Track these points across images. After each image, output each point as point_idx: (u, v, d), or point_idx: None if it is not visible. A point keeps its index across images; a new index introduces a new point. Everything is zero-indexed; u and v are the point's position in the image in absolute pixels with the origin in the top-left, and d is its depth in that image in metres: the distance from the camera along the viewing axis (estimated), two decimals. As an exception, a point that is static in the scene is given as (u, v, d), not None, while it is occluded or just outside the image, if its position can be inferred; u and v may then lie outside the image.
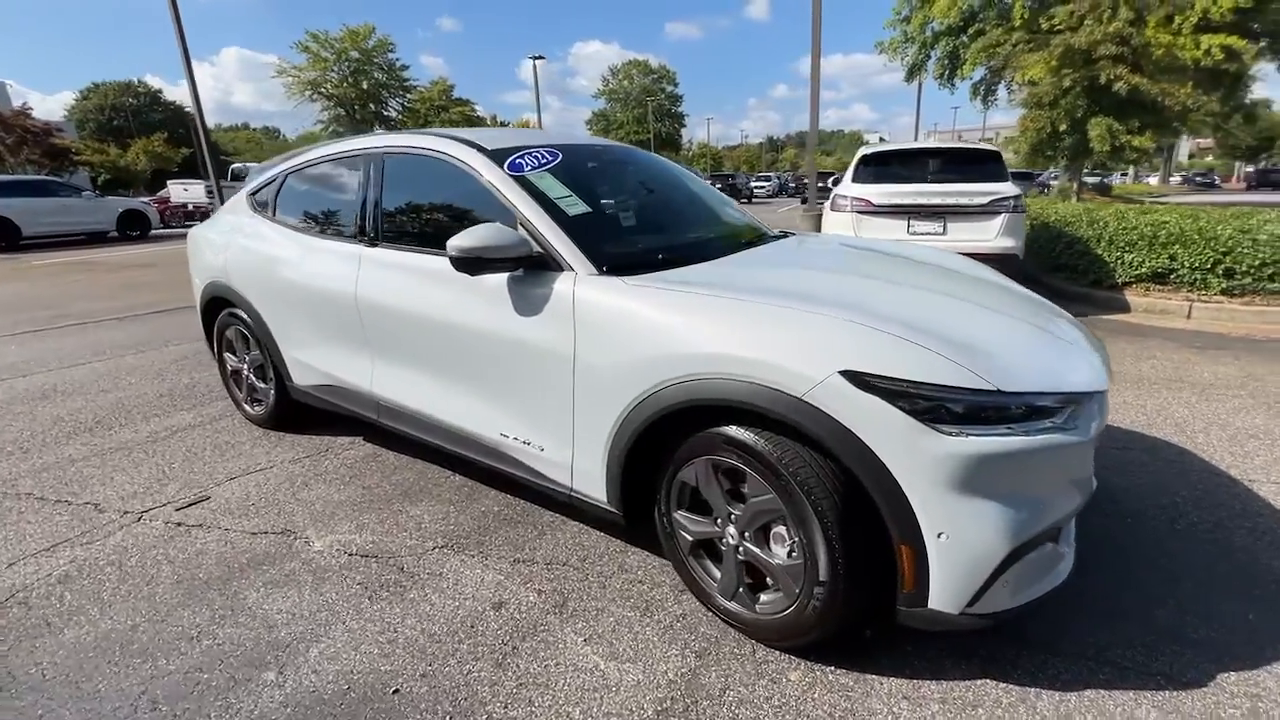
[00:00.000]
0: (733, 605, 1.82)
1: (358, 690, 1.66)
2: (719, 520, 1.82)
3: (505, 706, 1.60)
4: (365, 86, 33.90)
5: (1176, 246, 5.61)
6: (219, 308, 3.33)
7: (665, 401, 1.72)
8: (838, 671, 1.69)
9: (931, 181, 5.58)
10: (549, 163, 2.35)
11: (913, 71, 26.02)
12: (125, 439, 3.29)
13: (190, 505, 2.61)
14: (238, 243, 3.13)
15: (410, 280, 2.38)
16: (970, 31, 22.47)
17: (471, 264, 1.98)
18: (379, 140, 2.67)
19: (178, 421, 3.52)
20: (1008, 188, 5.34)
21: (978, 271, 2.49)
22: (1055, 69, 12.41)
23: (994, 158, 5.64)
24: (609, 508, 2.01)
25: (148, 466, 2.96)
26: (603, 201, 2.47)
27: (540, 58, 34.86)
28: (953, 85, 26.30)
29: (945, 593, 1.48)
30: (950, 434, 1.41)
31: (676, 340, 1.72)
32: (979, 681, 1.65)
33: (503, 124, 59.94)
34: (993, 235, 5.30)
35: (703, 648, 1.79)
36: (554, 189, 2.24)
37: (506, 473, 2.30)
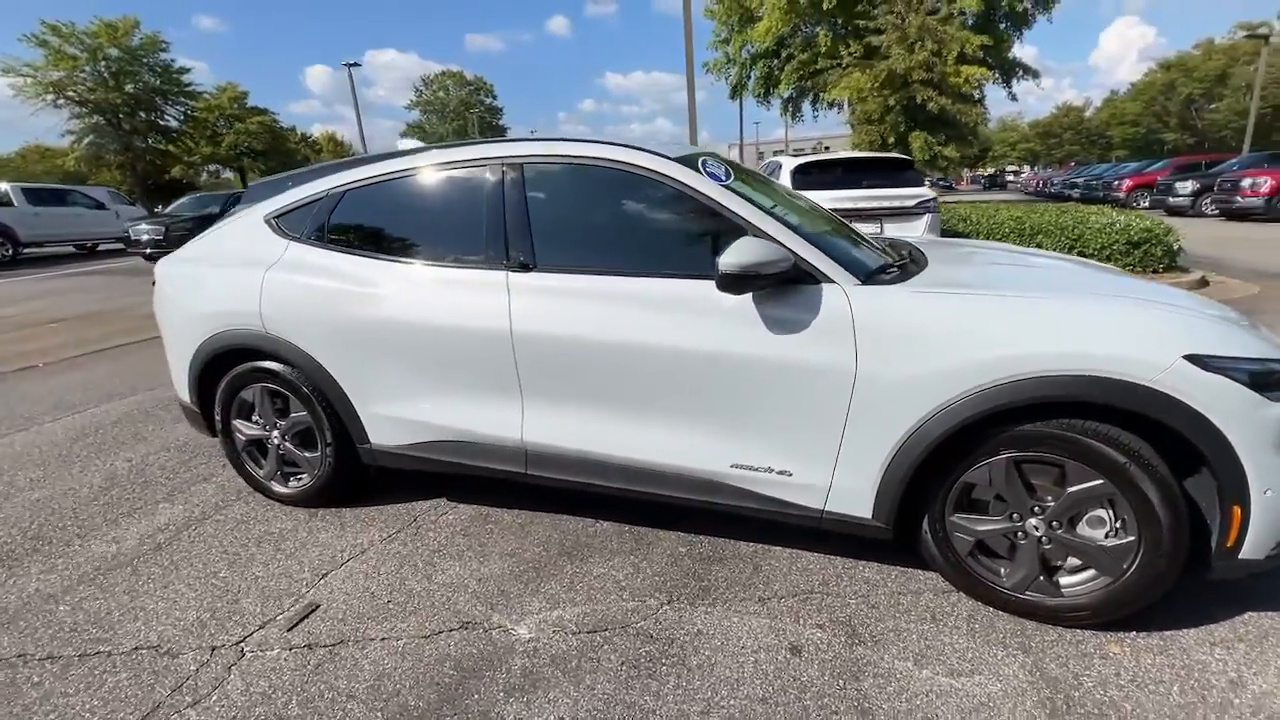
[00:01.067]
0: (1030, 595, 1.87)
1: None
2: (1014, 515, 1.86)
3: (922, 752, 1.48)
4: (131, 90, 28.22)
5: (1041, 236, 6.85)
6: (231, 363, 2.60)
7: (979, 406, 1.72)
8: (1142, 635, 1.82)
9: (865, 187, 6.18)
10: (728, 171, 2.22)
11: (735, 90, 28.41)
12: (108, 554, 2.42)
13: (302, 620, 2.01)
14: (278, 278, 2.46)
15: (607, 308, 2.07)
16: (783, 55, 25.16)
17: (742, 281, 1.81)
18: (508, 149, 2.28)
19: (169, 518, 2.67)
20: (927, 191, 6.11)
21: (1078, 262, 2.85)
22: (878, 90, 14.40)
23: (909, 165, 6.42)
24: (875, 523, 1.95)
25: (182, 584, 2.21)
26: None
27: (356, 64, 32.07)
28: (768, 102, 29.21)
29: (1257, 542, 1.67)
30: (1277, 400, 1.60)
31: (994, 344, 1.72)
32: (1252, 614, 1.89)
33: (305, 136, 54.11)
34: (921, 232, 6.01)
35: (1021, 642, 1.82)
36: (761, 199, 2.12)
37: (722, 506, 2.12)
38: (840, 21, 22.37)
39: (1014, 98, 32.52)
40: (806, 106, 27.97)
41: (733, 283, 1.82)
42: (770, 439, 1.99)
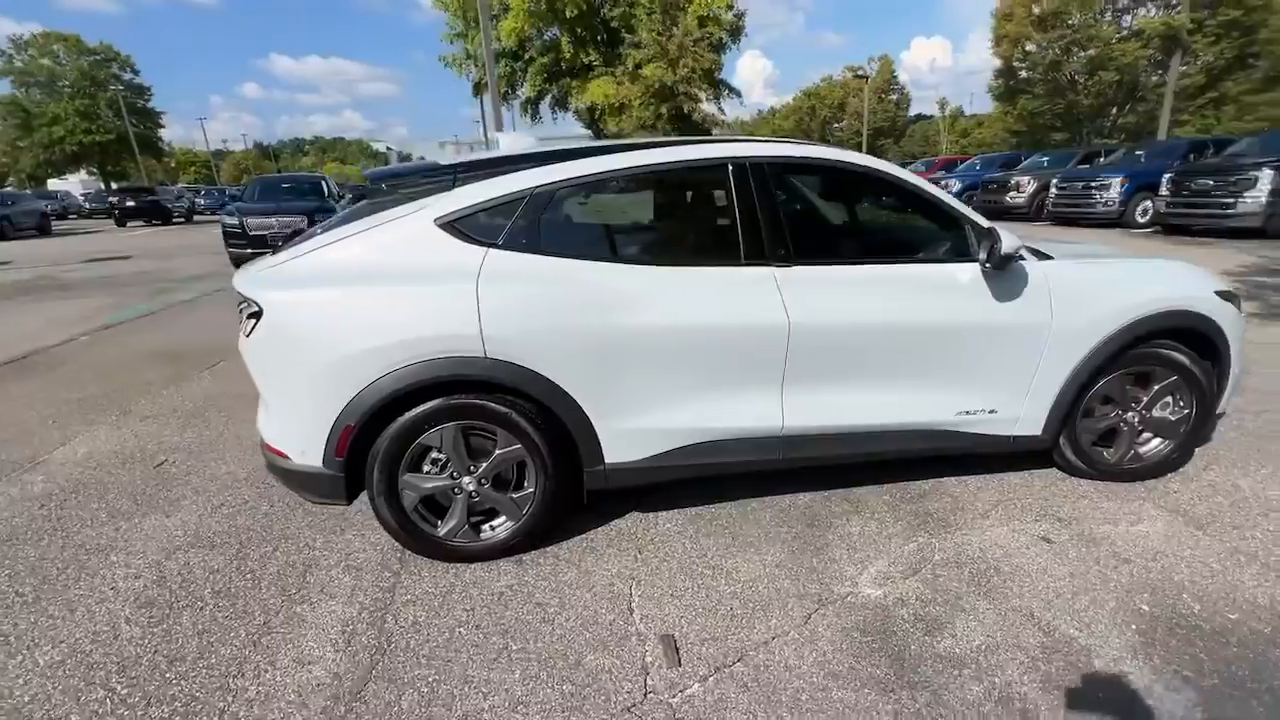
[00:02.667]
0: (1121, 465, 2.76)
1: None
2: (1122, 412, 2.71)
3: None
4: None
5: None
6: (408, 405, 2.08)
7: (1121, 339, 2.51)
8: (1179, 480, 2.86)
9: None
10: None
11: (478, 87, 27.88)
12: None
13: (678, 651, 1.86)
14: (498, 291, 2.06)
15: (861, 293, 2.32)
16: (525, 57, 25.55)
17: (1007, 261, 2.28)
18: (737, 149, 2.32)
19: (322, 596, 2.01)
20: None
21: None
22: (648, 99, 15.84)
23: None
24: (1044, 439, 2.64)
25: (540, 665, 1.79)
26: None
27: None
28: (509, 103, 29.36)
29: (1224, 401, 2.80)
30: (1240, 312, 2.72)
31: (1124, 294, 2.52)
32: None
33: None
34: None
35: (1144, 496, 2.69)
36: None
37: (944, 449, 2.59)
38: (580, 30, 23.68)
39: (723, 112, 38.29)
40: (545, 109, 28.87)
41: (1004, 262, 2.29)
42: (986, 386, 2.52)
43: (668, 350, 2.22)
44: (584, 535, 2.49)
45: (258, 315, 2.08)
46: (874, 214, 2.71)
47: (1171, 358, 2.61)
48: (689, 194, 2.39)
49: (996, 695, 1.70)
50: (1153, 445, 2.79)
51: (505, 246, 2.15)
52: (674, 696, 1.72)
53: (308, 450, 2.14)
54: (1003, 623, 1.97)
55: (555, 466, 2.25)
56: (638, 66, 16.38)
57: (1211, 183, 10.93)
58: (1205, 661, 1.79)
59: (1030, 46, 23.02)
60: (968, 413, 2.53)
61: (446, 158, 3.43)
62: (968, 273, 2.40)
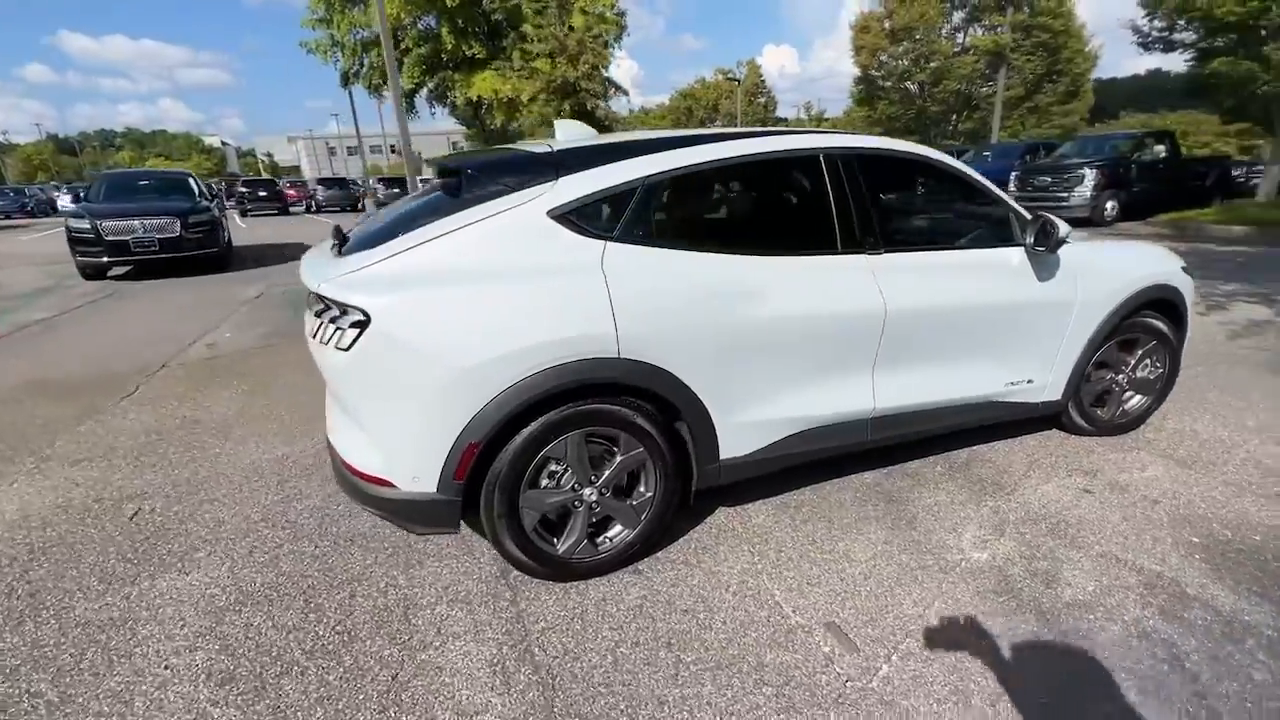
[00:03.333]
0: (1107, 415, 3.18)
1: None
2: (1116, 375, 3.11)
3: None
4: None
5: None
6: (536, 413, 1.90)
7: (1128, 307, 2.88)
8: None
9: None
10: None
11: (346, 78, 25.78)
12: None
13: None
14: (626, 287, 1.92)
15: (939, 277, 2.47)
16: (401, 46, 23.98)
17: (1060, 244, 2.52)
18: (823, 140, 2.35)
19: (444, 638, 1.78)
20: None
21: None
22: (549, 95, 15.45)
23: None
24: (1062, 402, 2.97)
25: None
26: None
27: None
28: (380, 95, 27.52)
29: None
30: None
31: (1128, 271, 2.90)
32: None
33: None
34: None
35: (1146, 447, 3.10)
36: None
37: (986, 420, 2.83)
38: (462, 21, 22.65)
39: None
40: (421, 102, 27.32)
41: (1058, 245, 2.53)
42: (1027, 357, 2.78)
43: (786, 339, 2.22)
44: (686, 537, 2.42)
45: (362, 324, 1.79)
46: (934, 202, 2.92)
47: (1153, 325, 3.05)
48: (788, 184, 2.41)
49: (1136, 631, 1.90)
50: (1135, 401, 3.23)
51: (621, 239, 2.02)
52: (872, 680, 1.74)
53: (421, 475, 1.89)
54: (1100, 567, 2.20)
55: (675, 467, 2.17)
56: (529, 61, 15.95)
57: (1049, 179, 12.80)
58: (1263, 578, 2.13)
59: (884, 57, 25.64)
60: (1012, 383, 2.78)
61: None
62: (1017, 255, 2.64)
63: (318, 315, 1.92)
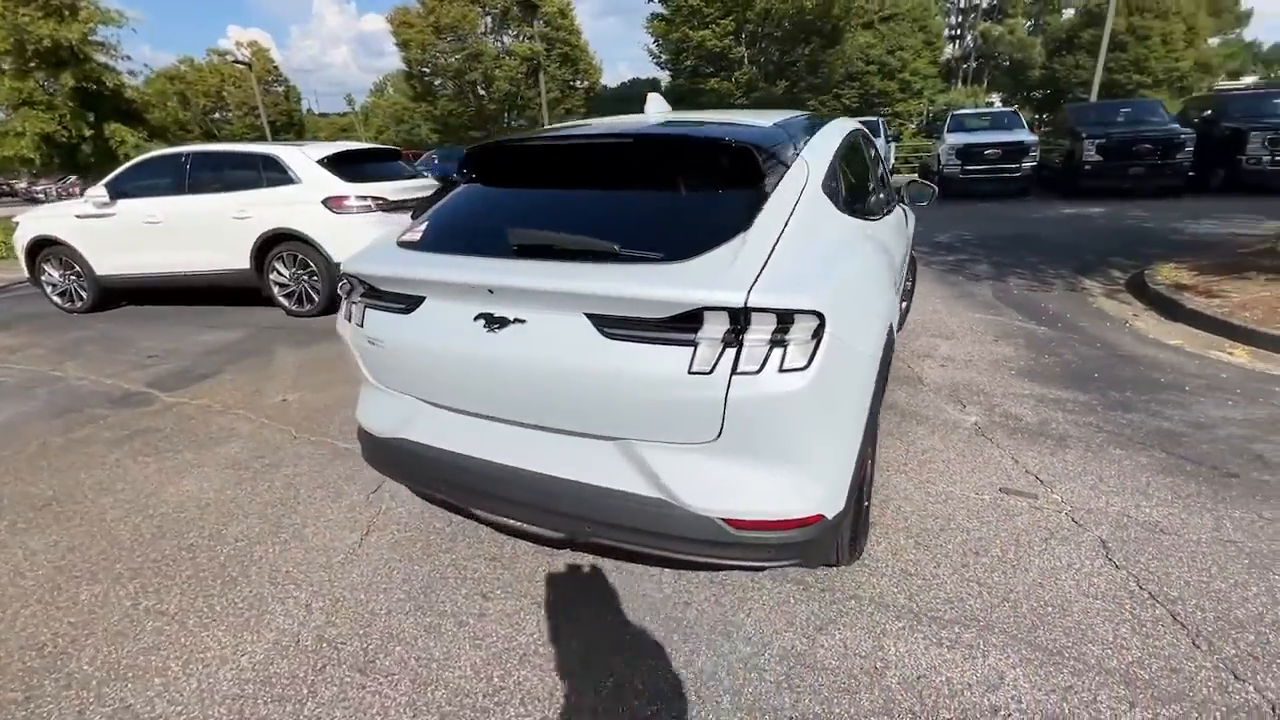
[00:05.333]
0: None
1: None
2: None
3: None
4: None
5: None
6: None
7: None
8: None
9: (393, 178, 6.77)
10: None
11: None
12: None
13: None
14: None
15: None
16: None
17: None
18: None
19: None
20: (432, 180, 7.39)
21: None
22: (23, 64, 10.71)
23: (399, 155, 7.25)
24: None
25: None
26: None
27: None
28: None
29: None
30: None
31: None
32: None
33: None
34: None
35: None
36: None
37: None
38: None
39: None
40: None
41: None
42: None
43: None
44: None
45: (819, 332, 1.57)
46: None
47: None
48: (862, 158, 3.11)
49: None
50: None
51: (851, 212, 2.30)
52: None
53: (838, 492, 1.78)
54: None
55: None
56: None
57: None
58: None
59: (435, 53, 26.49)
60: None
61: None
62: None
63: (725, 342, 1.55)
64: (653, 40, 17.22)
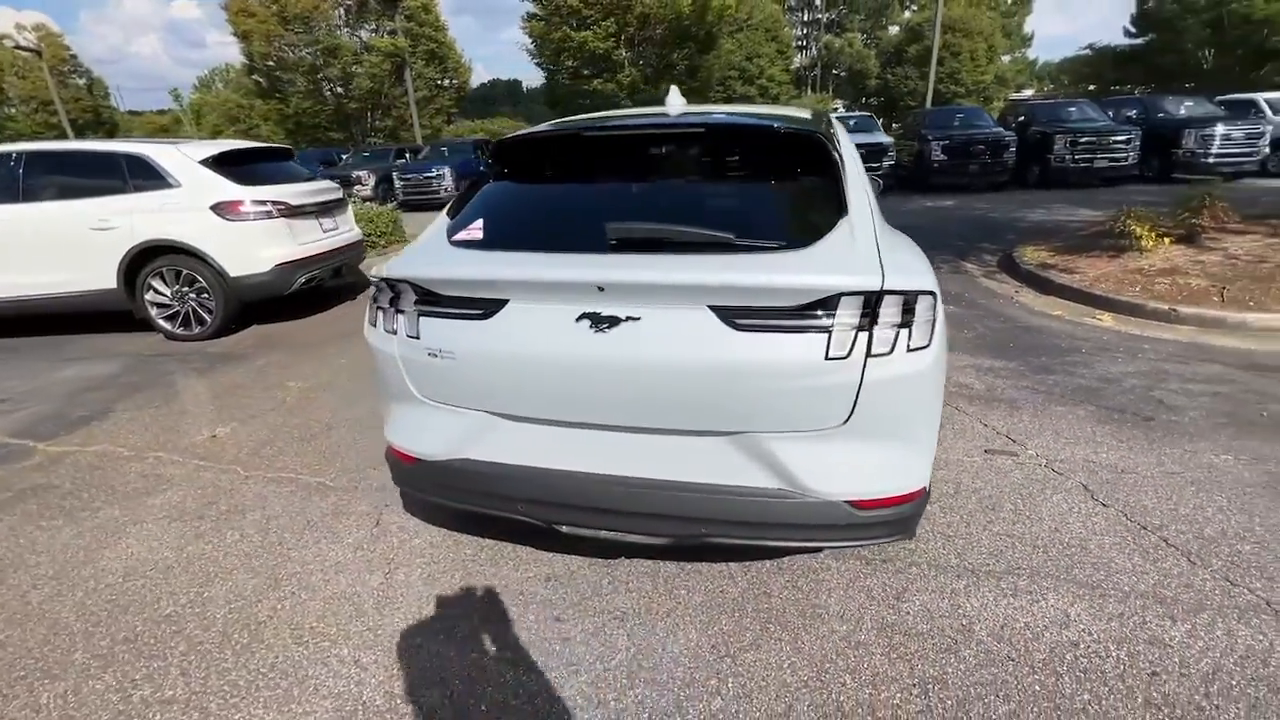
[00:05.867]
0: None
1: None
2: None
3: None
4: None
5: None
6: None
7: None
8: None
9: (294, 181, 6.05)
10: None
11: None
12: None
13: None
14: None
15: None
16: None
17: None
18: None
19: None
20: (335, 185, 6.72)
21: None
22: None
23: (290, 155, 6.46)
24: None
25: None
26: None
27: None
28: None
29: None
30: None
31: None
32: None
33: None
34: (352, 224, 6.76)
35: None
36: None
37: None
38: None
39: None
40: None
41: None
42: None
43: None
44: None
45: (934, 312, 1.66)
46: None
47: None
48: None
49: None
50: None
51: None
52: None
53: (929, 470, 1.86)
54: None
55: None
56: None
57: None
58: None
59: (284, 46, 23.85)
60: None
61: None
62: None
63: (859, 326, 1.59)
64: (530, 40, 16.93)
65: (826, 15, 45.69)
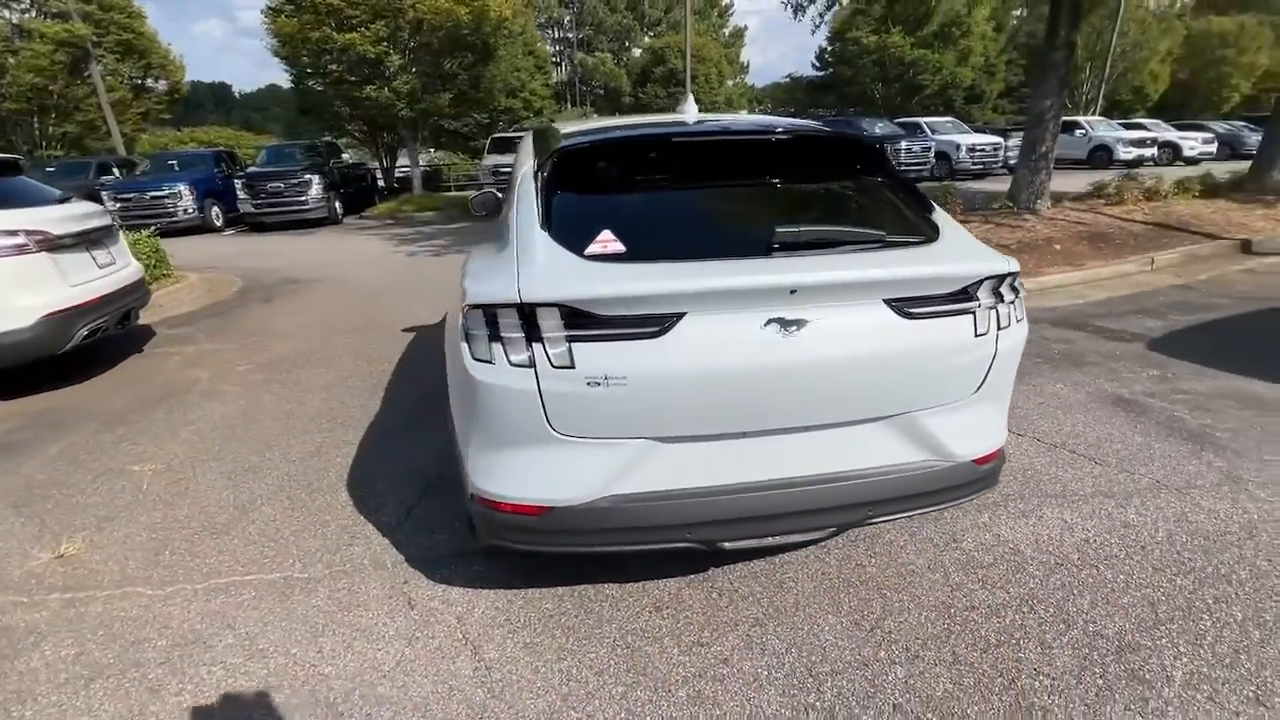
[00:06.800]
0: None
1: None
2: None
3: None
4: None
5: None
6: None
7: None
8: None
9: (45, 204, 4.46)
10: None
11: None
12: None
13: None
14: None
15: None
16: None
17: None
18: None
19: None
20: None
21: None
22: None
23: (19, 168, 4.65)
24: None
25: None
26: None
27: None
28: None
29: None
30: None
31: None
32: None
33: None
34: (129, 257, 5.24)
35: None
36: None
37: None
38: None
39: None
40: None
41: None
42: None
43: None
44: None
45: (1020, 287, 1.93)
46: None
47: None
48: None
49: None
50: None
51: None
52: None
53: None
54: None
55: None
56: None
57: (283, 186, 13.70)
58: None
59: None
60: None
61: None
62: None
63: (993, 305, 1.84)
64: (276, 40, 14.63)
65: (576, 34, 47.83)
